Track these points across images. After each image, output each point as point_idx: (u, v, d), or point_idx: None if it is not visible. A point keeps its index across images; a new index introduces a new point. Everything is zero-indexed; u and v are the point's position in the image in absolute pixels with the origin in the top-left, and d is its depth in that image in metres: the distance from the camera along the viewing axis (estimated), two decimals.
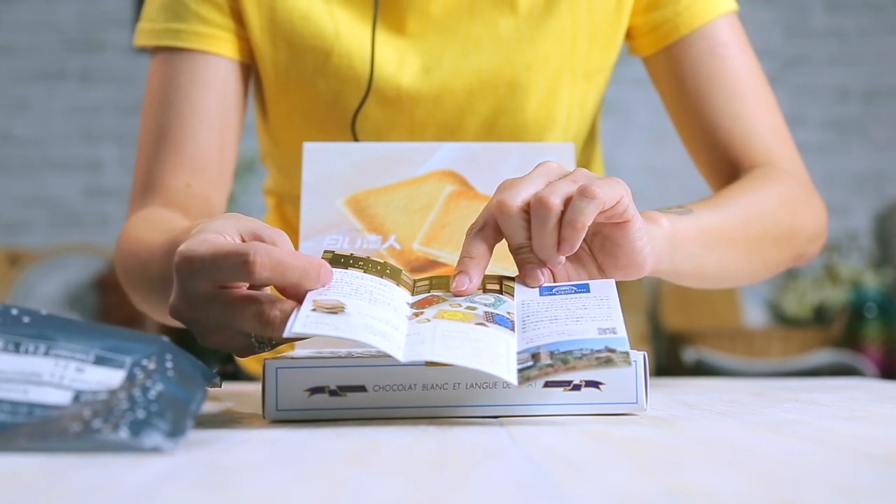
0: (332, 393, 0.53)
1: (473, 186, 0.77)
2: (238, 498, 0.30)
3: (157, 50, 0.87)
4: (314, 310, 0.50)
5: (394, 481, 0.33)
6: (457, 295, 0.56)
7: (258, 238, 0.55)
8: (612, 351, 0.49)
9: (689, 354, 3.17)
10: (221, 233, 0.54)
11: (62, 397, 0.43)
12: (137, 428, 0.39)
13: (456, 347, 0.49)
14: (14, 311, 0.45)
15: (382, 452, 0.40)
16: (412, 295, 0.57)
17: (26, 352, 0.44)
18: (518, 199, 0.57)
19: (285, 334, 0.49)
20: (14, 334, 0.44)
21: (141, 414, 0.40)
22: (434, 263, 0.74)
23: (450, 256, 0.74)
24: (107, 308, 3.20)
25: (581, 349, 0.50)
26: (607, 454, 0.39)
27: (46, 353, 0.44)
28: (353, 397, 0.53)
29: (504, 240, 0.59)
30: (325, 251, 0.57)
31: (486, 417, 0.53)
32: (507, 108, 0.87)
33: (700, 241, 0.72)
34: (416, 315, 0.54)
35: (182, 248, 0.53)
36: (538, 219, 0.56)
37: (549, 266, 0.58)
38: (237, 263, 0.50)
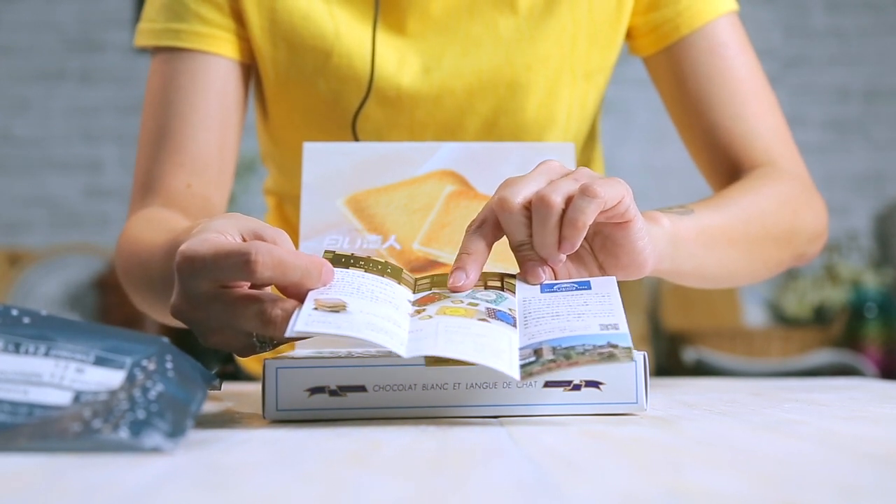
0: (332, 393, 0.53)
1: (473, 186, 0.77)
2: (238, 498, 0.30)
3: (157, 50, 0.87)
4: (316, 308, 0.50)
5: (394, 481, 0.33)
6: (454, 291, 0.56)
7: (259, 237, 0.55)
8: (615, 346, 0.49)
9: (689, 354, 3.17)
10: (222, 232, 0.54)
11: (62, 398, 0.43)
12: (137, 428, 0.39)
13: (459, 342, 0.49)
14: (14, 312, 0.45)
15: (382, 452, 0.40)
16: (414, 293, 0.57)
17: (26, 352, 0.44)
18: (519, 196, 0.57)
19: (287, 333, 0.49)
20: (14, 335, 0.44)
21: (141, 414, 0.40)
22: (434, 263, 0.74)
23: (450, 256, 0.74)
24: (107, 308, 3.20)
25: (583, 345, 0.50)
26: (607, 454, 0.39)
27: (47, 354, 0.44)
28: (353, 397, 0.53)
29: (505, 239, 0.59)
30: (326, 251, 0.57)
31: (486, 417, 0.53)
32: (507, 108, 0.87)
33: (701, 241, 0.72)
34: (419, 312, 0.54)
35: (183, 247, 0.53)
36: (539, 217, 0.56)
37: (550, 264, 0.58)
38: (238, 263, 0.50)
